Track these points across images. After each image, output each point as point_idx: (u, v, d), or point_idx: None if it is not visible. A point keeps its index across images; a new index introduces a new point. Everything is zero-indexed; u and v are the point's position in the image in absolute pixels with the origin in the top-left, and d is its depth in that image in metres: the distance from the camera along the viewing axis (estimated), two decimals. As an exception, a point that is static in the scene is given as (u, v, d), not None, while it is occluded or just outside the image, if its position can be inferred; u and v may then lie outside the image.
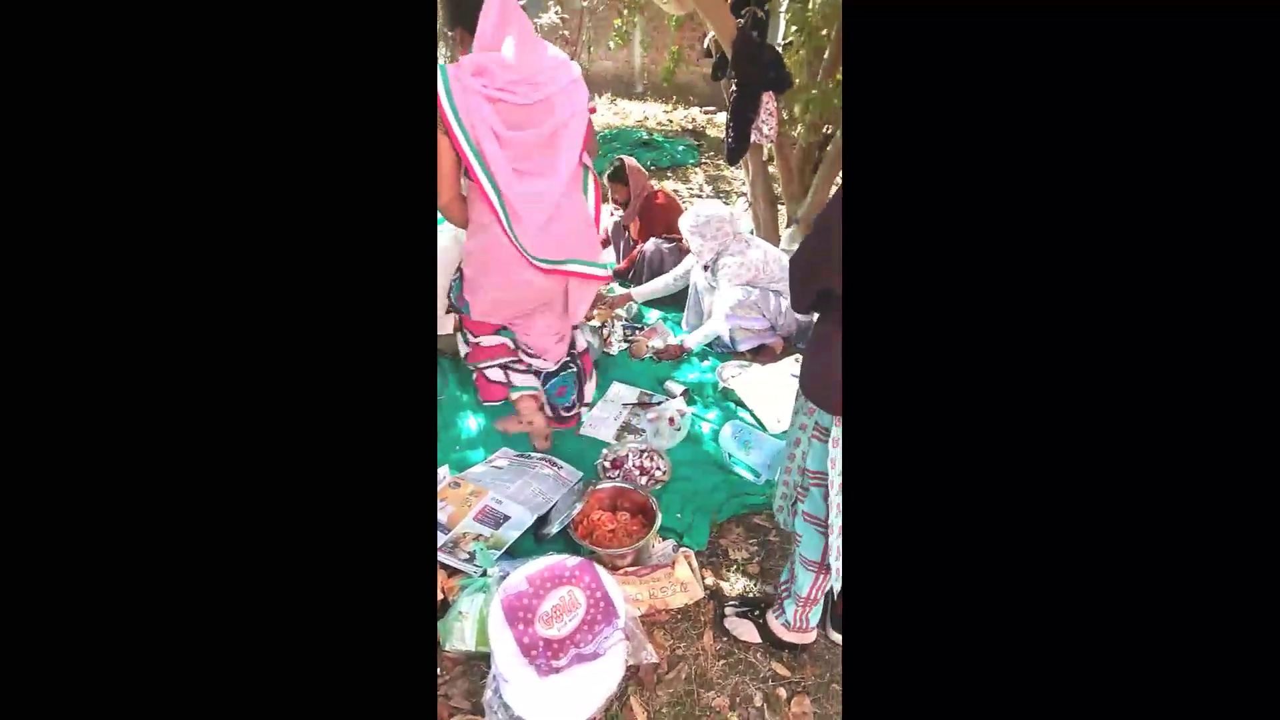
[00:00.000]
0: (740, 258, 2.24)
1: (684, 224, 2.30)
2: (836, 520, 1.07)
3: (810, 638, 1.33)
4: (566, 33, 4.75)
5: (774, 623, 1.33)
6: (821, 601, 1.28)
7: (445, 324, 2.21)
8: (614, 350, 2.39)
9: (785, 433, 1.85)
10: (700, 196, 4.19)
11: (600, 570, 1.30)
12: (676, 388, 2.15)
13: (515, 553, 1.49)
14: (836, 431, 1.03)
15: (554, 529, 1.54)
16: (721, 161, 4.71)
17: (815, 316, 1.12)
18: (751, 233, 2.85)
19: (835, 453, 1.04)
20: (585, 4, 4.50)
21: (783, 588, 1.30)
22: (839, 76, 2.66)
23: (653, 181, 2.89)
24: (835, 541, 1.09)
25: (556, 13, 4.45)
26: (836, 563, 1.11)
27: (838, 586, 1.17)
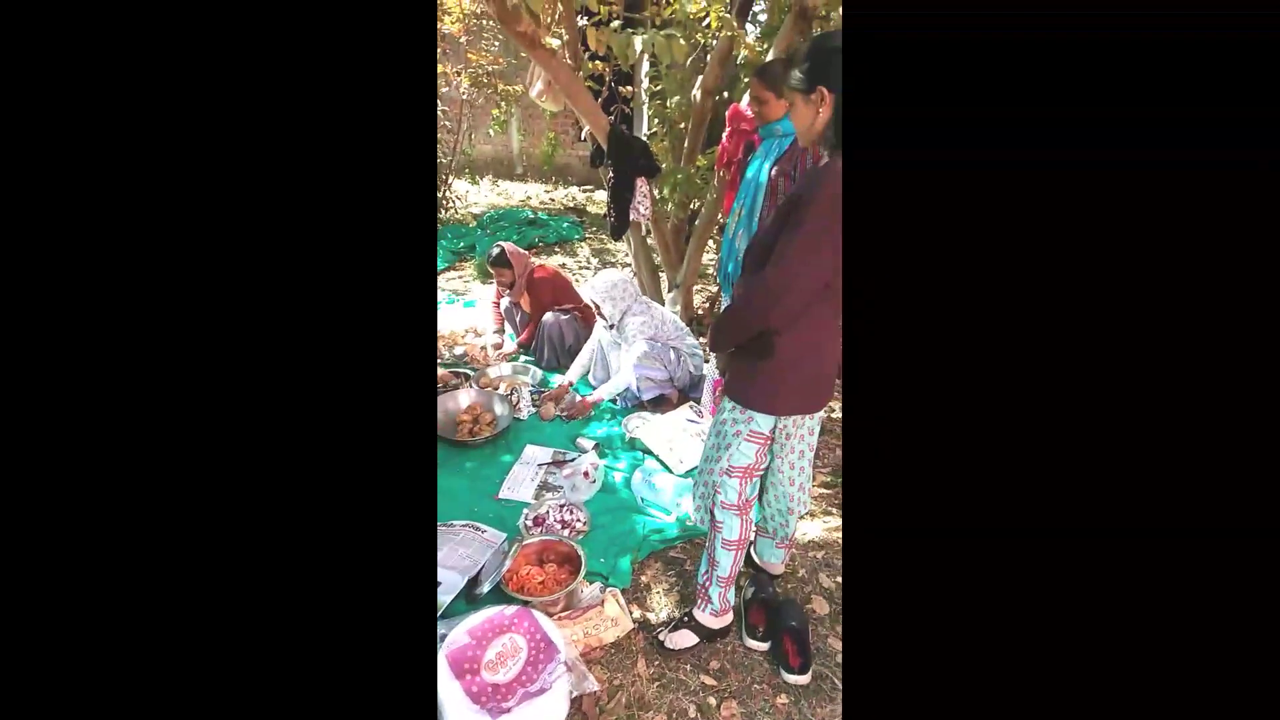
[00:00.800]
0: (645, 316, 2.51)
1: (594, 292, 2.53)
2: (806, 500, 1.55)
3: (729, 618, 1.56)
4: (447, 123, 5.00)
5: (702, 616, 1.54)
6: (735, 582, 1.53)
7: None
8: (524, 415, 2.52)
9: (694, 469, 2.08)
10: (589, 268, 4.49)
11: (537, 614, 1.40)
12: (587, 443, 2.31)
13: (450, 614, 1.54)
14: (810, 422, 1.43)
15: (485, 588, 1.61)
16: (604, 235, 5.09)
17: (712, 361, 1.35)
18: (639, 298, 3.15)
19: (811, 440, 1.46)
20: (465, 96, 4.81)
21: (704, 577, 1.51)
22: (699, 162, 3.10)
23: (538, 258, 3.12)
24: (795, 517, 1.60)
25: (439, 105, 4.71)
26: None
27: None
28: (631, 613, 1.62)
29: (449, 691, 1.23)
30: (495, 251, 2.95)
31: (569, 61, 2.85)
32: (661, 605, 1.69)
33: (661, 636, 1.55)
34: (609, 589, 1.67)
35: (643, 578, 1.77)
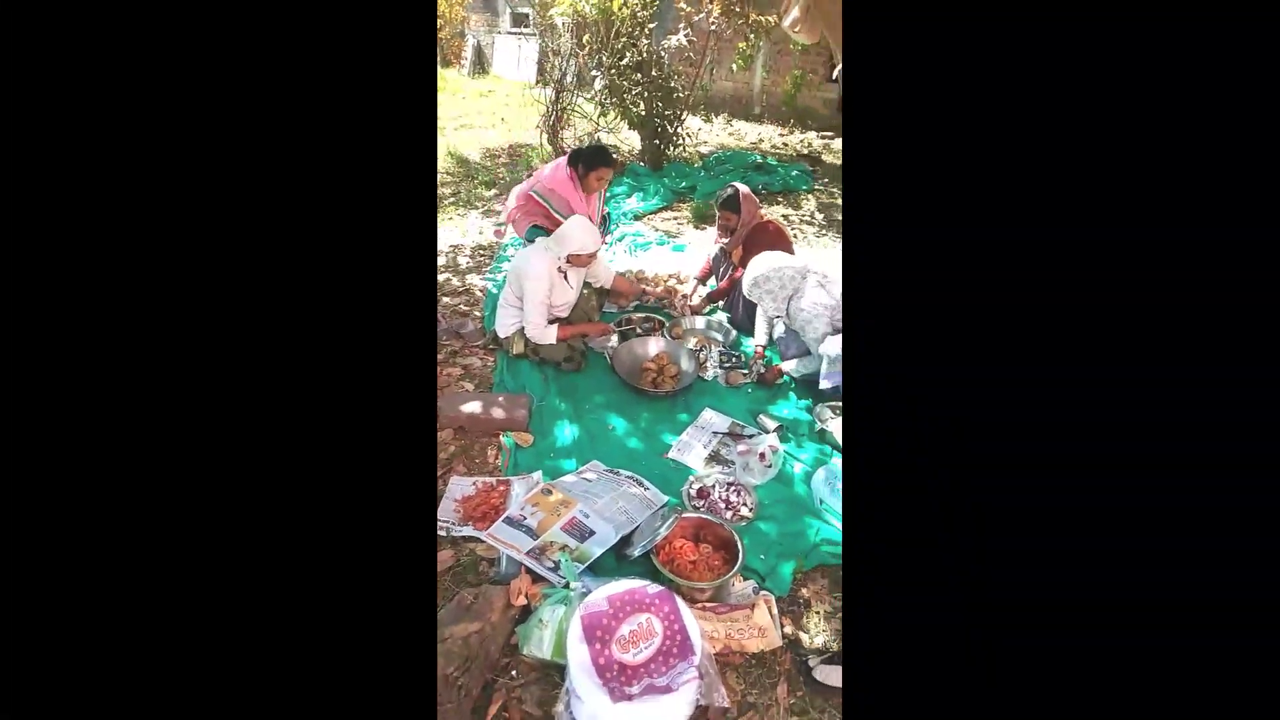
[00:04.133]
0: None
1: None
2: None
3: None
4: (691, 55, 4.83)
5: None
6: None
7: (549, 334, 2.30)
8: (709, 375, 2.38)
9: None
10: (811, 224, 4.10)
11: (680, 603, 1.29)
12: (770, 423, 2.11)
13: (597, 569, 1.52)
14: None
15: (636, 551, 1.55)
16: (835, 189, 4.60)
17: None
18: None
19: None
20: (713, 28, 4.56)
21: None
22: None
23: (763, 209, 2.86)
24: None
25: (686, 35, 4.53)
26: None
27: None
28: (782, 627, 1.45)
29: (577, 654, 1.19)
30: (727, 193, 2.74)
31: (836, -17, 2.45)
32: (819, 629, 1.48)
33: (812, 664, 1.35)
34: (763, 592, 1.51)
35: (803, 591, 1.57)
